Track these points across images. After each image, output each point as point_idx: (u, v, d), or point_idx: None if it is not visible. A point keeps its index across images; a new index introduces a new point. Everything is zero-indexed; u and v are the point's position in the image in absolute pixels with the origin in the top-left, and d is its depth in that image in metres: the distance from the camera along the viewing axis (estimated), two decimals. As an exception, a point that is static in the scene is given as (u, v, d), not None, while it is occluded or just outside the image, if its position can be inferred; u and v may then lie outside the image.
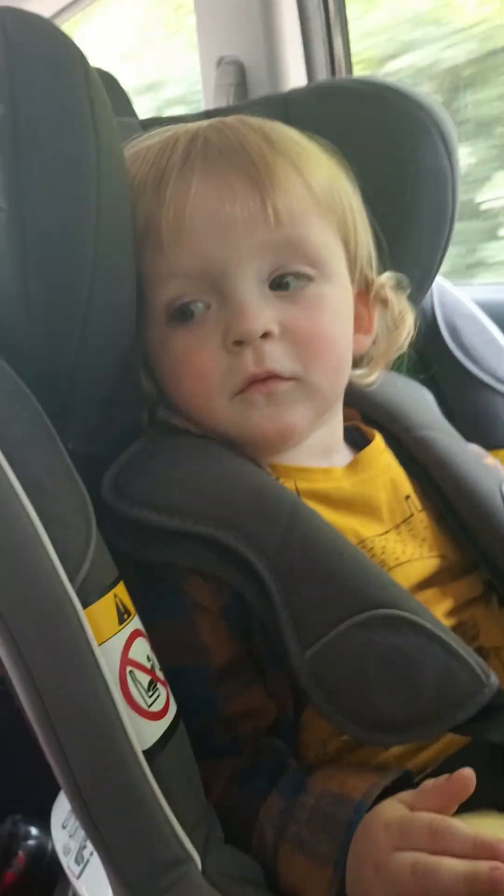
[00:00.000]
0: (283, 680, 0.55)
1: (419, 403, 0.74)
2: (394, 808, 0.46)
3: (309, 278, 0.58)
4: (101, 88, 0.51)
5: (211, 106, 1.17)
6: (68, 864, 0.60)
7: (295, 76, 1.12)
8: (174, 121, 0.77)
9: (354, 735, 0.51)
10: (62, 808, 0.65)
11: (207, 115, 0.79)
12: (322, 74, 1.13)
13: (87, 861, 0.58)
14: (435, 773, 0.55)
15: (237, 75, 1.11)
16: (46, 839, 1.06)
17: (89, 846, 0.59)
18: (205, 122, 0.60)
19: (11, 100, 0.47)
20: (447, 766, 0.54)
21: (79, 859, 0.59)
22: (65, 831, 0.63)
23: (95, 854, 0.57)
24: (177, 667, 0.53)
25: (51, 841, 1.08)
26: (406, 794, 0.47)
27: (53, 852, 1.06)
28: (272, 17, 1.09)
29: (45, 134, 0.48)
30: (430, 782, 0.46)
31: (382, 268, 0.67)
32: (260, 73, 1.11)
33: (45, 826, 1.09)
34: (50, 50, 0.49)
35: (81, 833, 0.60)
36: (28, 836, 1.07)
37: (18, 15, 0.50)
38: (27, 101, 0.47)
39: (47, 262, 0.50)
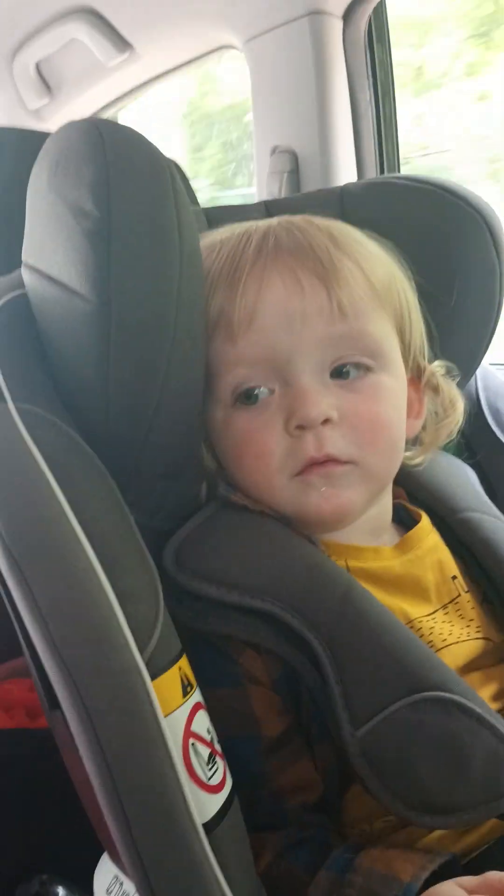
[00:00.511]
0: (331, 755, 0.56)
1: (464, 484, 0.76)
2: (452, 890, 0.47)
3: (367, 368, 0.61)
4: (184, 194, 0.55)
5: (264, 190, 1.24)
6: (113, 930, 0.60)
7: (345, 167, 1.18)
8: (236, 210, 0.82)
9: (402, 816, 0.52)
10: (106, 873, 0.65)
11: (267, 206, 0.84)
12: (371, 168, 1.18)
13: (133, 929, 0.58)
14: (480, 858, 0.56)
15: (291, 163, 1.17)
16: (72, 900, 1.05)
17: (136, 914, 0.60)
18: (274, 221, 0.64)
19: (108, 205, 0.51)
20: (492, 851, 0.55)
21: (124, 927, 0.59)
22: (108, 897, 0.63)
23: (141, 922, 0.58)
24: (228, 737, 0.55)
25: (76, 902, 1.07)
26: (467, 880, 0.47)
27: (79, 914, 1.05)
28: (326, 110, 1.16)
29: (136, 235, 0.52)
30: (495, 874, 0.47)
31: (433, 356, 0.70)
32: (312, 163, 1.17)
33: (71, 886, 1.09)
34: (142, 159, 0.54)
35: (127, 901, 0.61)
36: (55, 896, 1.06)
37: (113, 126, 0.55)
38: (121, 206, 0.52)
39: (129, 350, 0.54)
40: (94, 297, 0.53)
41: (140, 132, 0.55)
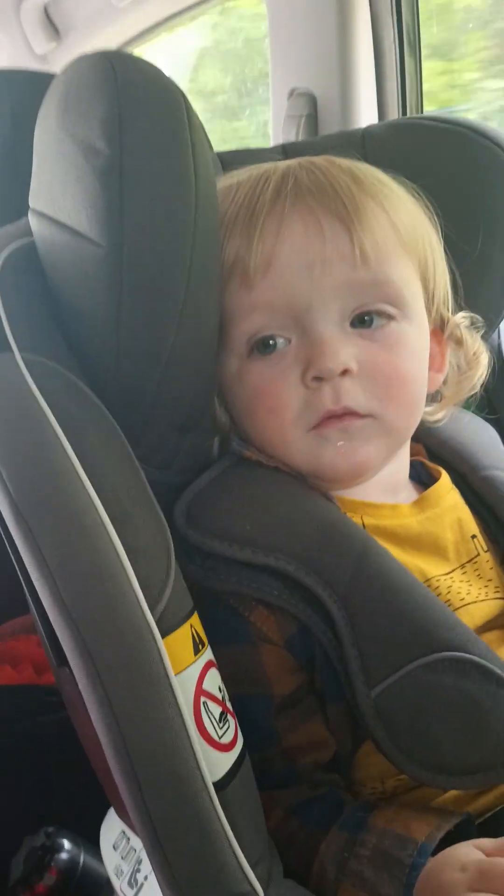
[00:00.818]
0: (344, 714, 0.56)
1: (485, 442, 0.74)
2: (470, 851, 0.46)
3: (390, 317, 0.59)
4: (201, 131, 0.52)
5: (280, 135, 1.19)
6: (121, 886, 0.60)
7: (366, 111, 1.13)
8: (251, 154, 0.79)
9: (416, 777, 0.51)
10: (112, 829, 0.65)
11: (285, 148, 0.80)
12: (393, 110, 1.14)
13: (142, 885, 0.58)
14: (494, 818, 0.55)
15: (309, 107, 1.12)
16: (78, 852, 1.07)
17: (143, 870, 0.60)
18: (294, 162, 0.61)
19: (120, 141, 0.48)
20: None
21: (132, 883, 0.59)
22: (116, 853, 0.63)
23: (150, 878, 0.58)
24: (239, 695, 0.54)
25: (82, 854, 1.08)
26: (484, 841, 0.47)
27: (85, 865, 1.06)
28: (347, 51, 1.11)
29: (149, 174, 0.49)
30: None
31: (457, 307, 0.67)
32: (332, 106, 1.12)
33: (76, 839, 1.10)
34: (156, 93, 0.50)
35: (135, 856, 0.61)
36: (61, 848, 1.08)
37: (126, 59, 0.51)
38: (133, 142, 0.49)
39: (141, 296, 0.51)
40: (104, 241, 0.50)
41: (154, 65, 0.52)
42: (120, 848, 0.63)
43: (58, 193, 0.54)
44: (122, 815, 0.62)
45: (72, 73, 0.54)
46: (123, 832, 0.63)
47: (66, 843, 1.07)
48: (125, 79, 0.50)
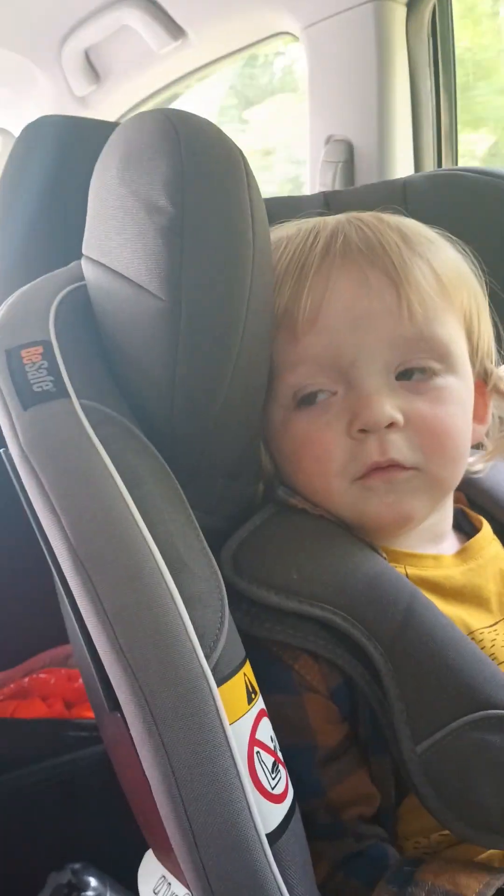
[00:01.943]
0: (388, 768, 0.55)
1: (527, 492, 0.74)
2: None
3: (435, 372, 0.60)
4: (257, 189, 0.54)
5: (316, 180, 1.22)
6: (162, 931, 0.60)
7: (402, 159, 1.16)
8: (293, 201, 0.81)
9: (461, 835, 0.51)
10: (152, 872, 0.65)
11: (326, 196, 0.82)
12: (429, 161, 1.16)
13: (184, 932, 0.58)
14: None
15: (346, 154, 1.15)
16: (104, 890, 1.06)
17: (184, 917, 0.59)
18: (342, 218, 0.63)
19: (182, 201, 0.50)
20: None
21: (174, 928, 0.59)
22: (156, 898, 0.63)
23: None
24: (283, 746, 0.53)
25: (108, 892, 1.08)
26: None
27: (111, 904, 1.05)
28: (385, 100, 1.13)
29: (209, 231, 0.51)
30: None
31: (501, 359, 0.68)
32: (368, 154, 1.14)
33: (102, 876, 1.10)
34: (216, 152, 0.52)
35: (175, 902, 0.61)
36: (87, 886, 1.07)
37: (185, 117, 0.53)
38: (195, 201, 0.50)
39: (198, 350, 0.53)
40: (164, 295, 0.52)
41: (213, 123, 0.54)
42: (161, 893, 0.62)
43: (116, 245, 0.56)
44: (164, 859, 0.62)
45: (132, 129, 0.56)
46: (164, 877, 0.62)
47: (93, 881, 1.06)
48: (187, 138, 0.52)
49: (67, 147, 0.75)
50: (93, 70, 1.69)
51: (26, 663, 1.23)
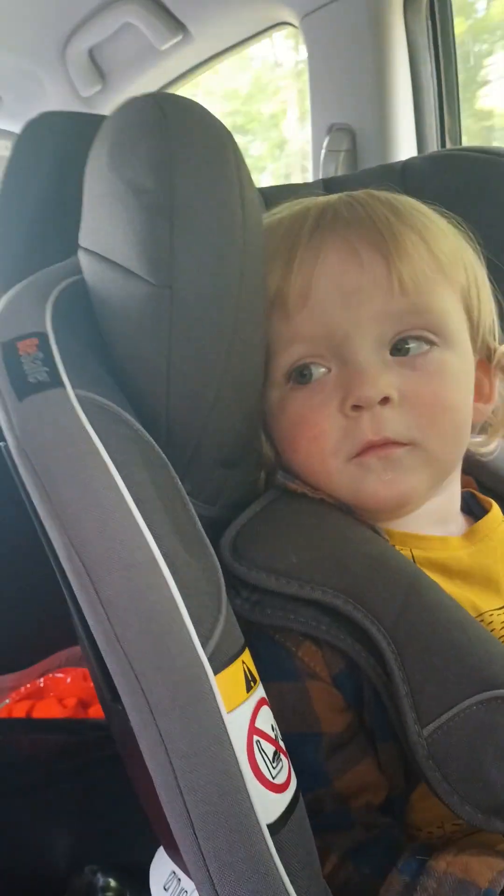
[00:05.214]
0: (395, 754, 0.54)
1: (537, 474, 0.73)
2: None
3: (430, 344, 0.58)
4: (246, 169, 0.53)
5: (319, 170, 1.21)
6: (172, 927, 0.59)
7: (405, 144, 1.14)
8: (293, 189, 0.80)
9: (471, 820, 0.50)
10: (163, 869, 0.64)
11: (325, 183, 0.81)
12: (433, 143, 1.15)
13: (193, 927, 0.57)
14: None
15: (348, 142, 1.14)
16: (124, 891, 1.06)
17: (194, 912, 0.58)
18: (334, 197, 0.62)
19: (169, 180, 0.49)
20: None
21: (184, 924, 0.58)
22: (167, 893, 0.62)
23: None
24: (287, 734, 0.53)
25: (128, 893, 1.07)
26: None
27: (130, 905, 1.05)
28: (385, 86, 1.12)
29: (198, 213, 0.50)
30: None
31: (505, 337, 0.66)
32: (371, 141, 1.13)
33: (122, 877, 1.09)
34: (204, 133, 0.51)
35: (185, 897, 0.60)
36: (106, 888, 1.07)
37: (173, 100, 0.52)
38: (183, 181, 0.49)
39: (190, 333, 0.52)
40: (154, 279, 0.51)
41: (201, 104, 0.53)
42: (171, 889, 0.62)
43: (108, 233, 0.55)
44: (173, 855, 0.61)
45: (121, 115, 0.56)
46: (174, 873, 0.62)
47: (112, 882, 1.06)
48: (174, 119, 0.51)
49: (69, 142, 0.74)
50: (97, 70, 1.69)
51: (42, 663, 1.23)
